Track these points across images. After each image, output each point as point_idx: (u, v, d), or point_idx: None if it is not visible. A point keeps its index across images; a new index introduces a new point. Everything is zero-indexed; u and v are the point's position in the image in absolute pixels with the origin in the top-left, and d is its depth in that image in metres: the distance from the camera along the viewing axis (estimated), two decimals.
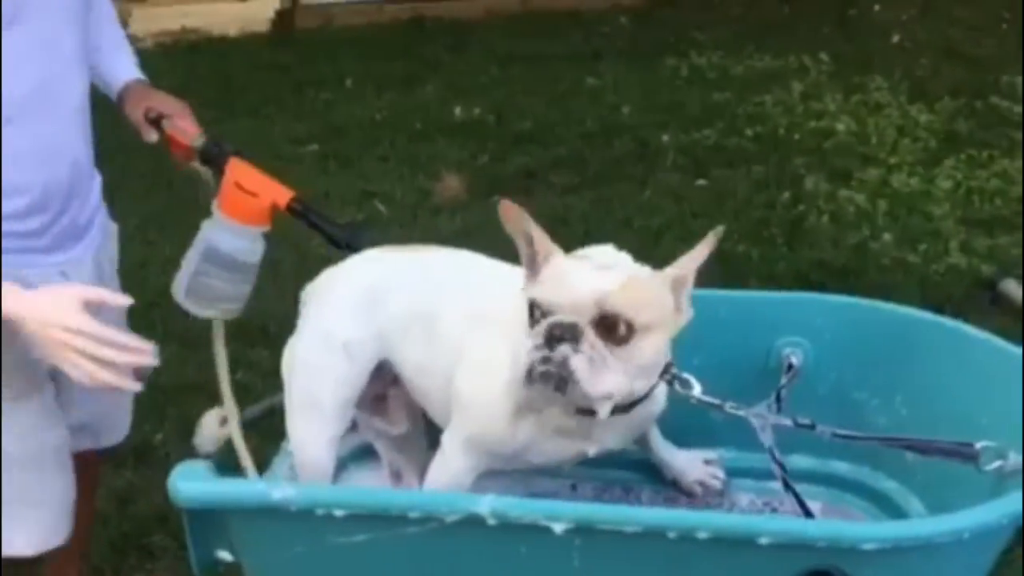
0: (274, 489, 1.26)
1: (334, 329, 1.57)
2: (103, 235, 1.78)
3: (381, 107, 4.96)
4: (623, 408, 1.35)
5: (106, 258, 1.81)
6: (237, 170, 1.72)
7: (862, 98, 4.71)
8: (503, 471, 1.53)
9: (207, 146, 1.78)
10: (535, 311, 1.33)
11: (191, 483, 1.28)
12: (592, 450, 1.42)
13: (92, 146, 1.71)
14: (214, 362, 1.79)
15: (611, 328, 1.29)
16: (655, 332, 1.32)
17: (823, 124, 4.49)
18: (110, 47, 1.84)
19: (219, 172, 1.75)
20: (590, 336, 1.29)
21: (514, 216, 1.38)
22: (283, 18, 6.12)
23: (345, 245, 1.71)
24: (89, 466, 1.90)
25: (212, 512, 1.32)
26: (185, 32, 5.97)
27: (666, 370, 1.39)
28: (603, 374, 1.29)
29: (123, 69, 1.86)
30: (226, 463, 1.85)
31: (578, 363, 1.28)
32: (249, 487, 1.29)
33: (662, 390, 1.47)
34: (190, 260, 1.72)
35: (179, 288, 1.73)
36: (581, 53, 5.43)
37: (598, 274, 1.32)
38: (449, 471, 1.49)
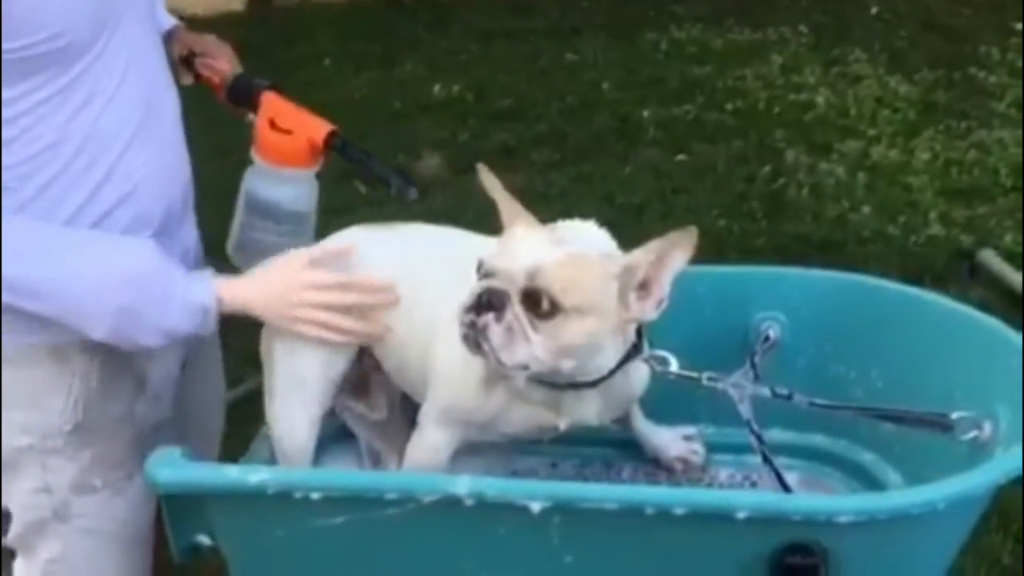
0: (250, 473, 1.26)
1: None
2: (199, 259, 1.61)
3: (360, 86, 4.92)
4: (588, 384, 1.35)
5: None
6: (271, 106, 1.58)
7: (841, 70, 4.71)
8: (484, 450, 1.53)
9: (235, 82, 1.61)
10: (479, 271, 1.33)
11: (168, 469, 1.28)
12: (563, 424, 1.42)
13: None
14: None
15: (536, 302, 1.28)
16: (585, 316, 1.29)
17: (803, 97, 4.48)
18: None
19: (253, 111, 1.60)
20: (515, 306, 1.28)
21: (487, 183, 1.39)
22: None
23: (392, 186, 1.59)
24: None
25: (190, 497, 1.31)
26: None
27: (636, 352, 1.38)
28: (519, 344, 1.28)
29: (159, 18, 1.66)
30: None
31: (495, 331, 1.28)
32: (225, 472, 1.29)
33: (642, 371, 1.47)
34: (237, 212, 1.61)
35: (230, 243, 1.62)
36: (560, 29, 5.39)
37: (544, 247, 1.31)
38: (427, 445, 1.49)
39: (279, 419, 1.58)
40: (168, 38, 1.69)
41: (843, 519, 1.15)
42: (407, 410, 1.72)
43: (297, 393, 1.56)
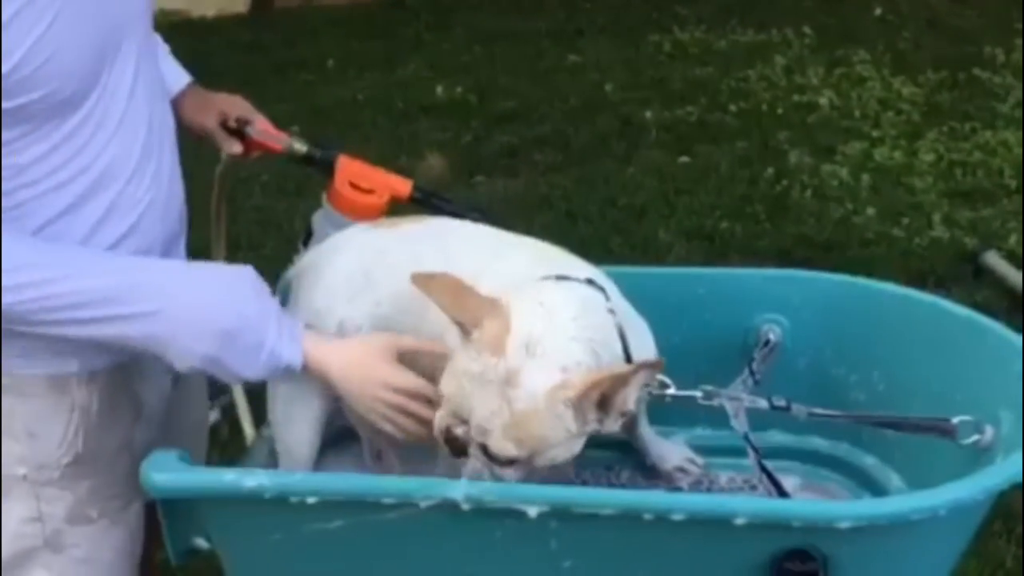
0: (246, 477, 1.25)
1: (327, 309, 1.55)
2: None
3: (363, 87, 4.93)
4: None
5: None
6: (349, 169, 1.71)
7: (845, 71, 4.70)
8: None
9: (312, 151, 1.73)
10: (441, 395, 1.31)
11: (164, 472, 1.28)
12: None
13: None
14: None
15: (493, 458, 1.28)
16: (548, 452, 1.28)
17: (806, 98, 4.47)
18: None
19: (329, 173, 1.73)
20: (478, 455, 1.28)
21: (430, 292, 1.34)
22: None
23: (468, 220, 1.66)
24: None
25: (187, 500, 1.31)
26: (164, 15, 5.90)
27: (625, 417, 1.34)
28: (497, 477, 1.29)
29: (173, 72, 1.67)
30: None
31: (468, 472, 1.29)
32: (221, 476, 1.28)
33: None
34: (304, 249, 1.70)
35: (290, 272, 1.66)
36: (564, 30, 5.40)
37: (492, 397, 1.26)
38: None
39: (281, 420, 1.58)
40: (186, 98, 1.68)
41: (843, 525, 1.14)
42: None
43: (301, 394, 1.56)
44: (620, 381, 1.27)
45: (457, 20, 5.61)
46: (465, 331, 1.31)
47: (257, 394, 1.70)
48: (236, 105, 1.74)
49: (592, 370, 1.27)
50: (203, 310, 1.29)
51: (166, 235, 1.42)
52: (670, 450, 1.65)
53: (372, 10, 5.85)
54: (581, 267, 1.46)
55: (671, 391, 1.38)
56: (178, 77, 1.69)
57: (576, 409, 1.27)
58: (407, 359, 1.41)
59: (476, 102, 4.70)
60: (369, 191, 1.70)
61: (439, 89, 4.83)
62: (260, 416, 1.68)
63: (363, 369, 1.37)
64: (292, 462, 1.56)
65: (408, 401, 1.36)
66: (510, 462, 1.28)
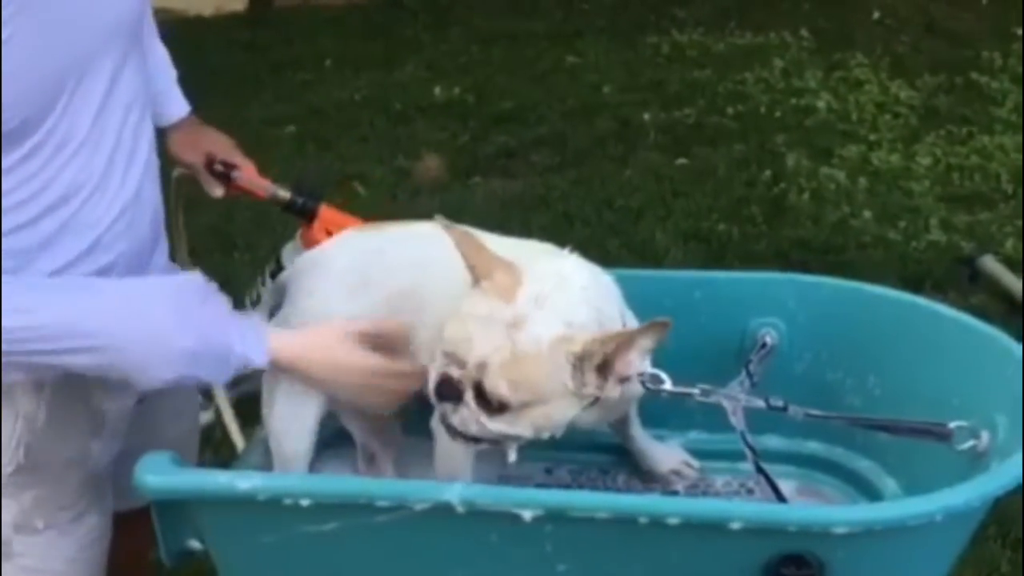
0: (240, 479, 1.25)
1: (325, 313, 1.54)
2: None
3: (360, 87, 4.92)
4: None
5: None
6: (329, 219, 1.79)
7: (843, 75, 4.70)
8: (479, 455, 1.52)
9: (294, 200, 1.79)
10: (443, 342, 1.32)
11: (157, 474, 1.27)
12: (559, 432, 1.41)
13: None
14: None
15: (486, 399, 1.28)
16: (537, 407, 1.28)
17: (804, 101, 4.47)
18: (158, 74, 1.63)
19: (309, 221, 1.81)
20: (469, 398, 1.29)
21: (452, 238, 1.35)
22: None
23: None
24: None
25: (180, 502, 1.30)
26: (161, 12, 5.86)
27: (625, 383, 1.35)
28: (483, 429, 1.29)
29: (175, 103, 1.68)
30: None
31: (456, 420, 1.30)
32: (214, 478, 1.27)
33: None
34: (269, 285, 1.77)
35: (258, 306, 1.71)
36: (562, 31, 5.39)
37: (496, 336, 1.27)
38: (446, 454, 1.48)
39: (277, 422, 1.57)
40: (181, 130, 1.68)
41: (839, 530, 1.13)
42: (403, 413, 1.71)
43: (299, 396, 1.55)
44: (624, 343, 1.27)
45: (455, 21, 5.61)
46: (476, 278, 1.32)
47: (248, 399, 1.70)
48: (224, 147, 1.73)
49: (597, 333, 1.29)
50: (156, 338, 1.26)
51: (135, 247, 1.38)
52: (665, 453, 1.64)
53: (370, 10, 5.85)
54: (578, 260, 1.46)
55: (667, 386, 1.38)
56: (178, 108, 1.68)
57: (576, 367, 1.27)
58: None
59: (474, 103, 4.70)
60: None
61: (437, 90, 4.82)
62: (250, 419, 1.68)
63: (328, 355, 1.37)
64: (287, 464, 1.55)
65: (390, 380, 1.37)
66: (501, 408, 1.27)
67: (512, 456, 1.35)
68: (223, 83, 4.90)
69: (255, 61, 5.27)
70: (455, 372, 1.30)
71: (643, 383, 1.38)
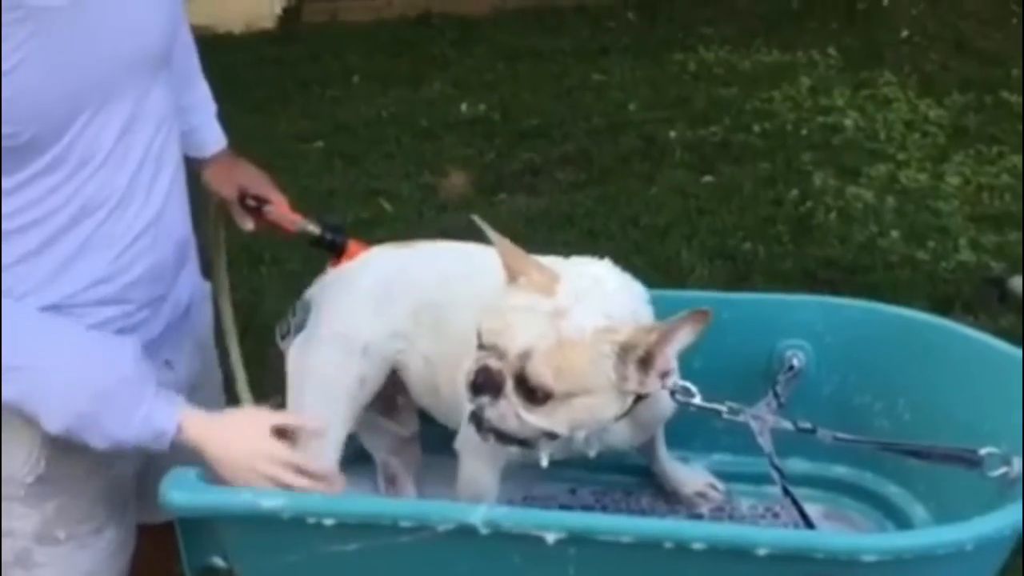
0: (263, 498, 1.25)
1: (353, 332, 1.55)
2: (201, 304, 1.62)
3: (387, 104, 4.94)
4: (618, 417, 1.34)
5: (202, 324, 1.63)
6: (356, 252, 1.71)
7: (871, 93, 4.67)
8: (504, 474, 1.51)
9: (324, 237, 1.73)
10: (479, 339, 1.31)
11: (182, 491, 1.27)
12: (592, 451, 1.40)
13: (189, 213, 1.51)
14: (230, 360, 1.79)
15: (529, 389, 1.27)
16: (579, 398, 1.27)
17: (831, 120, 4.44)
18: (197, 106, 1.66)
19: (339, 257, 1.74)
20: (509, 390, 1.27)
21: (489, 234, 1.35)
22: (289, 14, 6.10)
23: None
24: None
25: (205, 519, 1.30)
26: (191, 29, 5.95)
27: (666, 379, 1.36)
28: (519, 426, 1.27)
29: (212, 136, 1.69)
30: None
31: (492, 414, 1.28)
32: (238, 496, 1.28)
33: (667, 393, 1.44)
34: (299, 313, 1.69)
35: (286, 338, 1.68)
36: (588, 49, 5.39)
37: (538, 324, 1.27)
38: (471, 478, 1.48)
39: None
40: (216, 162, 1.69)
41: (868, 558, 1.12)
42: (424, 432, 1.71)
43: (328, 412, 1.55)
44: (666, 334, 1.27)
45: (482, 38, 5.62)
46: (512, 276, 1.33)
47: None
48: (257, 181, 1.72)
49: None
50: (80, 368, 1.28)
51: (158, 268, 1.40)
52: (690, 475, 1.63)
53: (397, 27, 5.87)
54: None
55: (697, 400, 1.37)
56: (216, 141, 1.69)
57: (619, 358, 1.27)
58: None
59: (499, 120, 4.70)
60: None
61: (463, 106, 4.83)
62: None
63: (242, 443, 1.35)
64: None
65: (288, 475, 1.34)
66: (543, 398, 1.25)
67: (544, 461, 1.33)
68: (252, 99, 4.94)
69: (283, 77, 5.30)
70: (494, 363, 1.28)
71: (673, 395, 1.38)
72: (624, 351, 1.27)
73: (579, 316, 1.28)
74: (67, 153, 1.26)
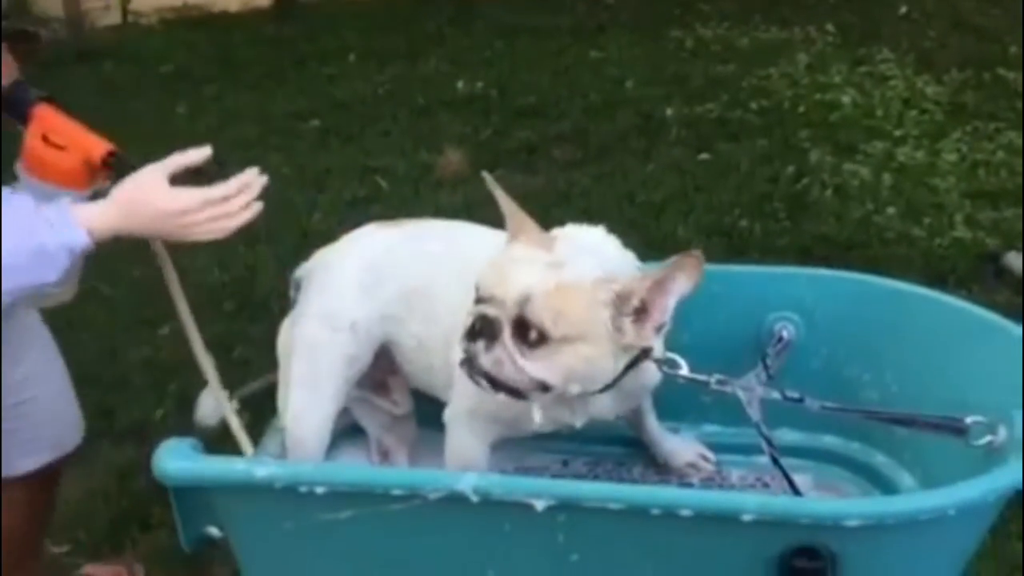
0: (257, 467, 1.26)
1: (340, 309, 1.57)
2: None
3: (383, 81, 4.93)
4: (607, 385, 1.35)
5: None
6: (44, 120, 1.46)
7: (868, 70, 4.66)
8: (497, 446, 1.53)
9: (9, 91, 1.46)
10: (476, 291, 1.33)
11: (176, 461, 1.29)
12: (579, 422, 1.42)
13: None
14: (207, 339, 1.78)
15: (525, 331, 1.28)
16: (575, 344, 1.28)
17: (828, 97, 4.43)
18: None
19: (24, 123, 1.48)
20: (506, 336, 1.28)
21: (494, 191, 1.39)
22: None
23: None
24: (54, 479, 1.80)
25: (199, 489, 1.32)
26: (187, 8, 5.94)
27: (646, 355, 1.36)
28: (514, 372, 1.28)
29: None
30: (223, 440, 1.86)
31: (487, 361, 1.29)
32: (233, 465, 1.29)
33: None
34: None
35: None
36: (585, 26, 5.38)
37: (537, 272, 1.29)
38: (460, 449, 1.49)
39: (296, 414, 1.58)
40: None
41: (851, 523, 1.14)
42: (421, 408, 1.72)
43: (317, 389, 1.57)
44: (661, 282, 1.28)
45: (479, 15, 5.60)
46: (513, 234, 1.35)
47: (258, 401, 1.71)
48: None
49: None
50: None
51: None
52: (681, 446, 1.64)
53: (394, 4, 5.86)
54: None
55: (683, 372, 1.38)
56: None
57: (616, 308, 1.28)
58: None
59: (496, 97, 4.69)
60: (60, 148, 1.46)
61: (460, 84, 4.82)
62: (261, 416, 1.69)
63: (147, 208, 1.37)
64: (303, 453, 1.57)
65: (214, 210, 1.37)
66: (540, 341, 1.26)
67: (537, 416, 1.34)
68: (248, 77, 4.93)
69: (280, 55, 5.29)
70: (492, 311, 1.29)
71: (659, 366, 1.39)
72: (620, 300, 1.28)
73: (576, 267, 1.30)
74: None
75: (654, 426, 1.61)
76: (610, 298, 1.28)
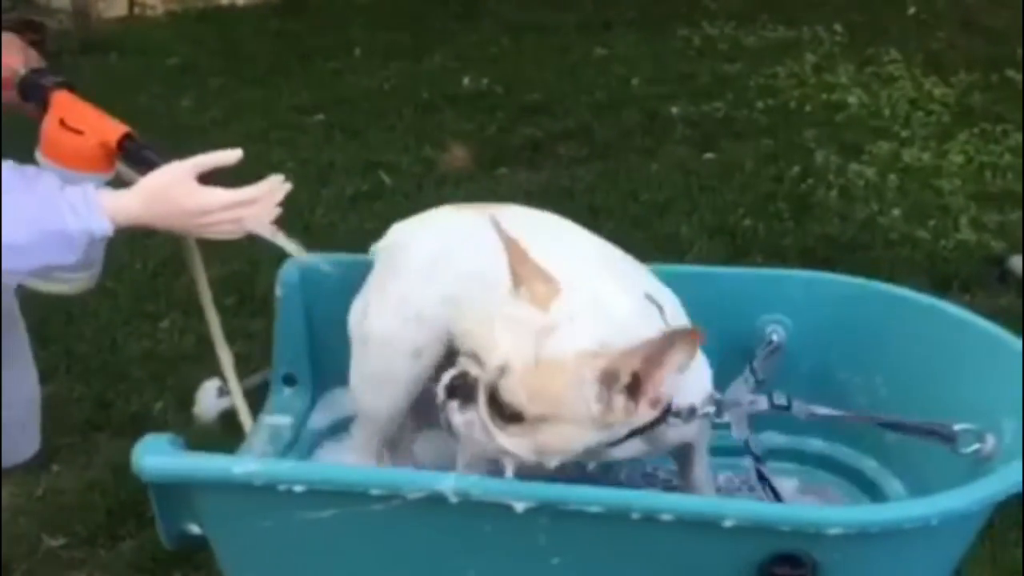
0: (236, 464, 1.26)
1: (407, 295, 1.52)
2: None
3: (389, 77, 4.92)
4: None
5: None
6: (62, 105, 1.49)
7: (875, 70, 4.63)
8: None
9: (27, 77, 1.50)
10: (462, 340, 1.28)
11: (155, 457, 1.28)
12: (590, 466, 1.39)
13: None
14: (206, 332, 1.78)
15: (500, 407, 1.22)
16: (556, 423, 1.20)
17: (835, 97, 4.41)
18: None
19: (43, 108, 1.51)
20: (481, 403, 1.22)
21: (502, 239, 1.30)
22: None
23: None
24: None
25: (180, 486, 1.31)
26: (194, 0, 5.94)
27: (664, 417, 1.29)
28: (485, 439, 1.23)
29: None
30: (223, 436, 1.86)
31: (458, 420, 1.24)
32: (211, 462, 1.29)
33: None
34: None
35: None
36: (591, 23, 5.36)
37: (524, 339, 1.20)
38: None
39: (367, 407, 1.57)
40: None
41: (832, 531, 1.12)
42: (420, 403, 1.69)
43: (388, 384, 1.54)
44: (652, 357, 1.19)
45: (484, 11, 5.59)
46: (516, 283, 1.27)
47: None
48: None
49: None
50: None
51: None
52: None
53: (400, 0, 5.85)
54: (642, 278, 1.42)
55: (700, 413, 1.33)
56: None
57: (603, 385, 1.19)
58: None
59: (502, 94, 4.68)
60: (78, 132, 1.49)
61: (465, 80, 4.81)
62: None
63: (169, 205, 1.39)
64: (371, 424, 1.57)
65: (237, 211, 1.39)
66: (513, 418, 1.20)
67: (509, 472, 1.27)
68: (254, 71, 4.92)
69: (285, 49, 5.28)
70: (474, 370, 1.24)
71: (683, 418, 1.30)
72: (607, 376, 1.20)
73: (566, 336, 1.21)
74: None
75: (700, 479, 1.51)
76: (595, 375, 1.20)
